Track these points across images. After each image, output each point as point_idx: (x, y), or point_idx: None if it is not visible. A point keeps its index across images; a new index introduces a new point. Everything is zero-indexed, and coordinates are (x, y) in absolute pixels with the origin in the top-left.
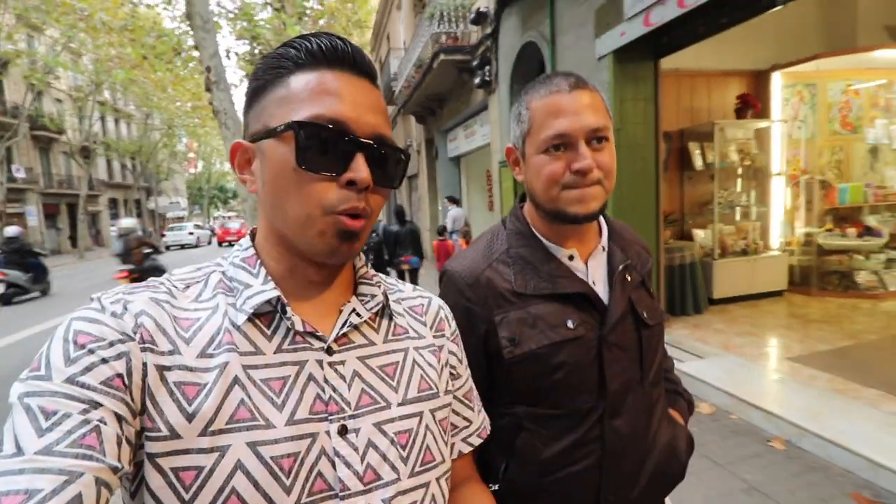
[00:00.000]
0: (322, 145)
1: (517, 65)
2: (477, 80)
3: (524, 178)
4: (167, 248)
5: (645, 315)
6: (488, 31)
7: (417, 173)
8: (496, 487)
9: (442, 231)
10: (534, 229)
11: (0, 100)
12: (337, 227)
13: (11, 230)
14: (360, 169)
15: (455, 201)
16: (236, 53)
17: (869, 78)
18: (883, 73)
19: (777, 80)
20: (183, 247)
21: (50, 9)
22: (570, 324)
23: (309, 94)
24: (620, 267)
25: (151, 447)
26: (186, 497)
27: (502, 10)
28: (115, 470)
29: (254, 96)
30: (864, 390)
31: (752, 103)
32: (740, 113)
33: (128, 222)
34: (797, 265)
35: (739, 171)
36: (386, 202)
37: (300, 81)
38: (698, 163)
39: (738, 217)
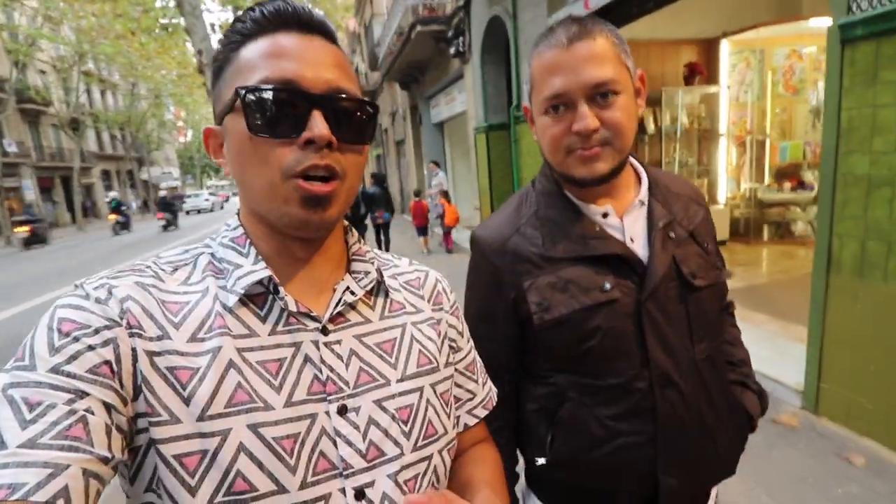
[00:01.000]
0: (272, 108)
1: (486, 37)
2: (452, 50)
3: (537, 138)
4: (187, 213)
5: (693, 276)
6: (461, 2)
7: (404, 139)
8: (544, 461)
9: (418, 193)
10: (565, 188)
11: None
12: (299, 192)
13: (112, 194)
14: (316, 126)
15: (438, 165)
16: (220, 26)
17: (811, 44)
18: (823, 38)
19: (725, 47)
20: (199, 211)
21: None
22: (605, 286)
23: (257, 61)
24: (661, 224)
25: (155, 432)
26: (192, 482)
27: None
28: (104, 460)
29: (215, 79)
30: (756, 315)
31: (699, 70)
32: (688, 80)
33: (113, 194)
34: (741, 217)
35: (687, 133)
36: (366, 162)
37: (249, 51)
38: (650, 127)
39: (686, 174)
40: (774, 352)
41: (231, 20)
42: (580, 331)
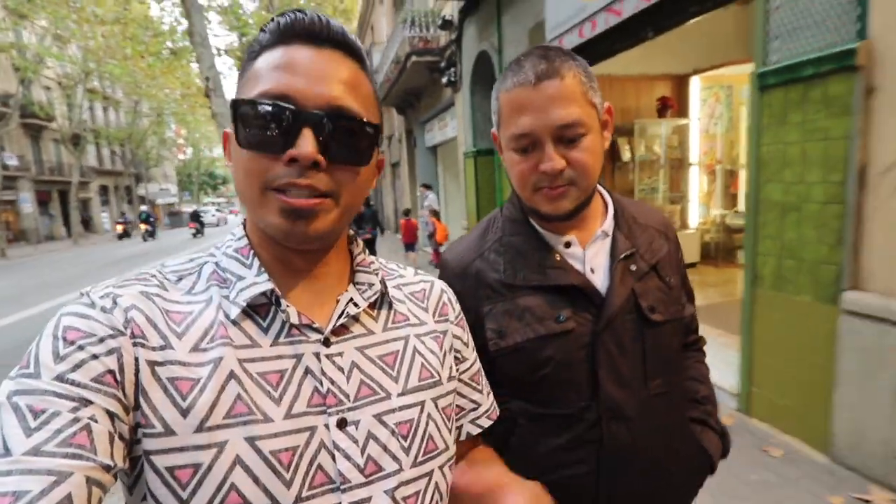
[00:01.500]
0: (263, 122)
1: (475, 69)
2: (444, 80)
3: (506, 167)
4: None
5: (651, 310)
6: (453, 36)
7: (399, 161)
8: None
9: (407, 212)
10: (529, 215)
11: None
12: (278, 204)
13: (143, 207)
14: (302, 144)
15: (429, 187)
16: (226, 51)
17: None
18: None
19: (696, 83)
20: (205, 225)
21: (44, 3)
22: (560, 317)
23: (263, 73)
24: (622, 256)
25: (148, 444)
26: (184, 495)
27: (464, 19)
28: (107, 468)
29: (238, 86)
30: (713, 330)
31: (670, 104)
32: (661, 112)
33: (143, 208)
34: (710, 241)
35: (660, 162)
36: (369, 182)
37: (260, 62)
38: (626, 156)
39: (659, 201)
40: (721, 361)
41: (234, 43)
42: (533, 359)
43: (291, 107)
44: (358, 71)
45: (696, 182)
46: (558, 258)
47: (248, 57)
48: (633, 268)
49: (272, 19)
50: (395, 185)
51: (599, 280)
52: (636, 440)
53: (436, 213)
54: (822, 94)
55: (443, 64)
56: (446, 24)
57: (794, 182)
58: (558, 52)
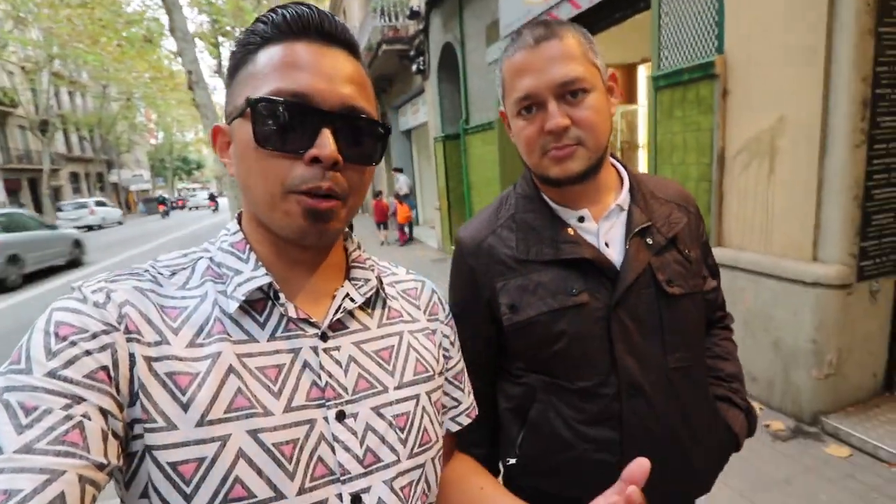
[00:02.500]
0: (282, 121)
1: (442, 58)
2: (414, 68)
3: (514, 141)
4: (189, 209)
5: (669, 283)
6: (420, 26)
7: None
8: (513, 461)
9: (377, 194)
10: (542, 191)
11: None
12: (302, 206)
13: (160, 191)
14: (324, 145)
15: (399, 170)
16: (199, 37)
17: None
18: None
19: (643, 71)
20: (198, 208)
21: None
22: (573, 291)
23: (273, 69)
24: (637, 229)
25: (150, 439)
26: (188, 490)
27: (430, 10)
28: (100, 467)
29: (230, 78)
30: None
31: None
32: None
33: (160, 192)
34: None
35: (617, 145)
36: (370, 180)
37: (265, 56)
38: None
39: None
40: None
41: (204, 25)
42: (547, 334)
43: (310, 106)
44: (362, 70)
45: (643, 164)
46: (571, 233)
47: (244, 49)
48: (650, 241)
49: (273, 10)
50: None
51: (615, 254)
52: (658, 416)
53: (398, 196)
54: (694, 95)
55: (412, 52)
56: (414, 15)
57: (679, 164)
58: (557, 21)
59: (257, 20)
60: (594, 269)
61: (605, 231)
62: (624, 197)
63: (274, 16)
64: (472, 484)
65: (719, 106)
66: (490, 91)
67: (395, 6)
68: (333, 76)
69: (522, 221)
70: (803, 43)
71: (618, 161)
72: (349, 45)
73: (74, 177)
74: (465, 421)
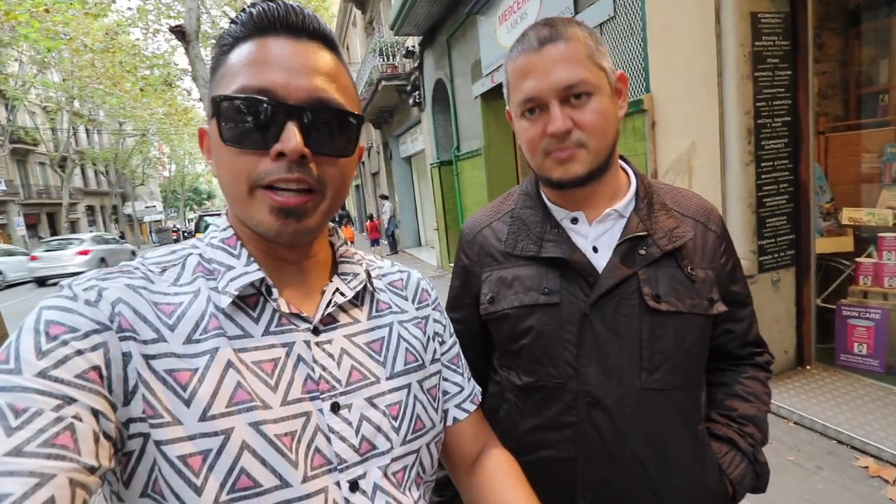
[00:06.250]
0: (245, 118)
1: (435, 92)
2: (411, 101)
3: (519, 142)
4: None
5: (655, 298)
6: (415, 64)
7: (379, 171)
8: None
9: (371, 217)
10: (542, 190)
11: None
12: (268, 202)
13: (204, 217)
14: (289, 139)
15: (385, 197)
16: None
17: None
18: None
19: None
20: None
21: (38, 38)
22: (546, 289)
23: (240, 67)
24: (628, 237)
25: (158, 434)
26: (198, 482)
27: (423, 50)
28: (91, 469)
29: (210, 80)
30: None
31: None
32: None
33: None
34: None
35: None
36: (351, 173)
37: (235, 55)
38: None
39: None
40: None
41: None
42: (515, 328)
43: (273, 101)
44: (335, 61)
45: None
46: (558, 231)
47: (220, 51)
48: (642, 252)
49: (243, 10)
50: (376, 193)
51: (602, 260)
52: (621, 435)
53: (371, 218)
54: (633, 126)
55: (409, 87)
56: (409, 54)
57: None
58: (563, 20)
59: (232, 20)
60: (572, 272)
61: (596, 235)
62: (625, 203)
63: (243, 15)
64: (498, 498)
65: (650, 134)
66: (476, 122)
67: (392, 46)
68: (300, 69)
69: (518, 217)
70: (703, 83)
71: (630, 167)
72: (321, 37)
73: (90, 210)
74: (471, 408)
